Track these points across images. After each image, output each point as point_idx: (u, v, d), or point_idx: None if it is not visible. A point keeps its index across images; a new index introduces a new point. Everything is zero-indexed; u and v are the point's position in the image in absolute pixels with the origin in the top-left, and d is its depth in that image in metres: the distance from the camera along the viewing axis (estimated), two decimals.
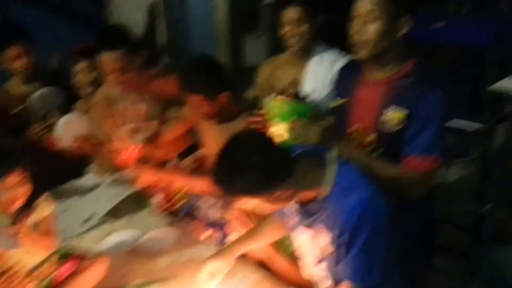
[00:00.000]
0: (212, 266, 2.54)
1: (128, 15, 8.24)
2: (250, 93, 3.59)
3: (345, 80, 2.61)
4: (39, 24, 4.08)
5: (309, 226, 2.20)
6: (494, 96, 4.39)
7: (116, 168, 3.57)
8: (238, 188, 1.98)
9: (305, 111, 2.41)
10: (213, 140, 3.05)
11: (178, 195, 3.46)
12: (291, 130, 2.36)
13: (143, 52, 3.24)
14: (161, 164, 3.45)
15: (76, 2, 7.97)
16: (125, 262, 2.84)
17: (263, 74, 3.53)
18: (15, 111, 3.66)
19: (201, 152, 3.49)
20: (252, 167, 1.92)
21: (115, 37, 3.16)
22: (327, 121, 2.39)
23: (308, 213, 2.17)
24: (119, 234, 3.07)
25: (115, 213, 3.28)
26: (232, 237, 3.04)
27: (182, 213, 3.37)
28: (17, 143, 2.92)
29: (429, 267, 2.69)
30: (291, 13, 3.20)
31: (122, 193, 3.37)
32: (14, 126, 3.58)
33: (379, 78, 2.43)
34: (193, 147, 3.49)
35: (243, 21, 5.59)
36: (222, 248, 2.67)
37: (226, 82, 2.89)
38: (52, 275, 2.57)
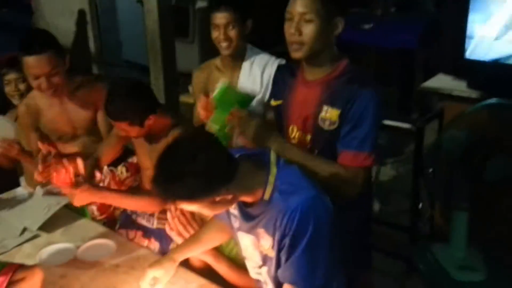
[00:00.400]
0: (153, 274, 2.51)
1: (56, 23, 8.13)
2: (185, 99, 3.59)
3: (281, 82, 2.63)
4: None
5: (250, 231, 2.19)
6: (423, 95, 4.53)
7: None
8: (178, 195, 1.94)
9: (246, 100, 2.48)
10: (145, 155, 3.06)
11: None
12: (229, 119, 2.40)
13: (68, 57, 3.13)
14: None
15: (2, 11, 7.79)
16: (63, 274, 2.78)
17: (198, 80, 3.54)
18: None
19: (133, 159, 3.47)
20: (192, 172, 1.89)
21: (41, 40, 3.04)
22: (264, 117, 2.41)
23: (249, 217, 2.16)
24: (56, 246, 2.99)
25: (50, 224, 3.20)
26: (172, 247, 3.04)
27: (119, 223, 3.34)
28: None
29: (369, 266, 2.73)
30: (219, 18, 3.21)
31: (55, 204, 3.28)
32: None
33: (314, 79, 2.46)
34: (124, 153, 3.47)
35: (174, 26, 5.59)
36: (163, 256, 2.65)
37: (152, 101, 2.85)
38: None
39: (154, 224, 3.16)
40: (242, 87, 3.26)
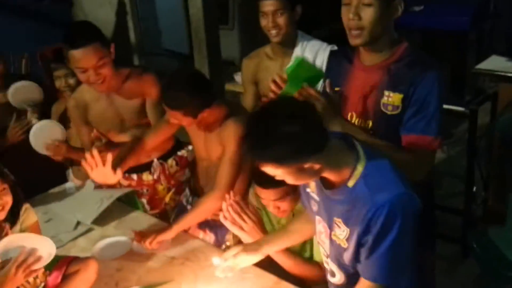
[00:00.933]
0: (240, 258, 2.48)
1: (95, 14, 8.14)
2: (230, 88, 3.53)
3: (336, 68, 2.55)
4: (3, 28, 3.97)
5: (326, 217, 2.13)
6: (475, 77, 4.42)
7: None
8: (269, 155, 1.85)
9: (317, 76, 2.40)
10: (201, 145, 3.03)
11: (167, 196, 3.41)
12: (299, 95, 2.30)
13: (113, 46, 3.07)
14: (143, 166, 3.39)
15: (42, 3, 7.81)
16: (119, 267, 2.78)
17: (247, 69, 3.46)
18: None
19: (182, 153, 3.45)
20: (288, 133, 1.81)
21: (85, 32, 2.98)
22: (334, 96, 2.35)
23: (327, 202, 2.09)
24: (110, 239, 2.99)
25: (103, 217, 3.20)
26: (228, 238, 3.04)
27: (173, 215, 3.33)
28: None
29: (434, 252, 2.67)
30: (267, 5, 3.14)
31: (108, 197, 3.29)
32: None
33: (372, 64, 2.38)
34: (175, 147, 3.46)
35: (216, 13, 5.56)
36: (250, 244, 2.57)
37: (209, 95, 2.77)
38: (41, 285, 2.50)
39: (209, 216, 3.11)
40: None
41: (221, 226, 2.97)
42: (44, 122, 3.41)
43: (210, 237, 3.12)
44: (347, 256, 2.07)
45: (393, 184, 1.93)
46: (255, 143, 1.86)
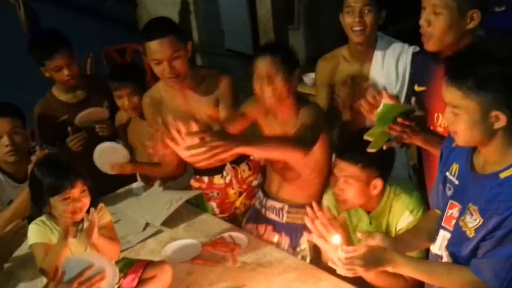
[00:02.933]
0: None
1: (159, 14, 8.09)
2: None
3: (423, 67, 2.52)
4: (69, 27, 3.95)
5: (460, 200, 2.04)
6: None
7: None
8: (474, 78, 1.82)
9: (408, 112, 2.35)
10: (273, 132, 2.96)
11: (238, 201, 3.36)
12: (390, 131, 2.30)
13: (190, 44, 3.06)
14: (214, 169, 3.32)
15: (108, 3, 7.88)
16: (190, 271, 2.72)
17: (322, 71, 3.31)
18: (60, 120, 3.57)
19: (254, 157, 3.37)
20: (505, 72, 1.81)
21: (161, 25, 3.00)
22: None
23: (471, 185, 2.00)
24: (181, 242, 2.93)
25: (172, 219, 3.14)
26: (303, 241, 2.94)
27: (247, 217, 3.27)
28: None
29: None
30: (356, 1, 2.98)
31: (177, 199, 3.23)
32: (59, 135, 3.50)
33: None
34: None
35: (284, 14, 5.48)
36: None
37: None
38: (115, 287, 2.44)
39: (283, 218, 3.05)
40: (375, 80, 3.08)
41: (297, 229, 2.92)
42: (107, 144, 3.36)
43: (285, 240, 3.05)
44: (467, 246, 1.99)
45: None
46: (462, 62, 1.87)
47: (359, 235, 2.29)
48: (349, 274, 2.15)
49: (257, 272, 2.66)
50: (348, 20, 3.01)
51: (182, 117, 3.04)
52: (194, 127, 2.28)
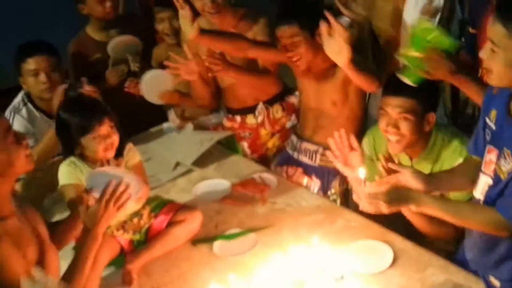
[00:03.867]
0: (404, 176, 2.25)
1: None
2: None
3: (476, 8, 2.52)
4: None
5: (496, 143, 2.02)
6: None
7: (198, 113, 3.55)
8: None
9: (449, 46, 2.23)
10: (312, 95, 2.99)
11: (270, 142, 3.37)
12: (425, 59, 2.22)
13: None
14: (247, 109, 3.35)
15: None
16: (219, 210, 2.75)
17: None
18: (93, 58, 3.59)
19: (290, 98, 3.37)
20: None
21: None
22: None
23: (507, 130, 1.98)
24: (211, 182, 2.97)
25: (203, 159, 3.17)
26: (334, 185, 2.97)
27: (278, 159, 3.29)
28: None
29: None
30: None
31: (209, 139, 3.25)
32: (92, 73, 3.46)
33: None
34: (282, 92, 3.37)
35: None
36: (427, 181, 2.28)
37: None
38: (145, 227, 2.49)
39: (316, 161, 3.06)
40: (409, 12, 2.97)
41: (329, 173, 2.95)
42: (154, 72, 3.39)
43: (315, 183, 3.06)
44: (497, 189, 1.98)
45: None
46: None
47: (390, 165, 2.28)
48: (371, 210, 2.11)
49: (286, 213, 2.69)
50: None
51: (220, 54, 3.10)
52: None
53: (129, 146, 2.61)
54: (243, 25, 3.15)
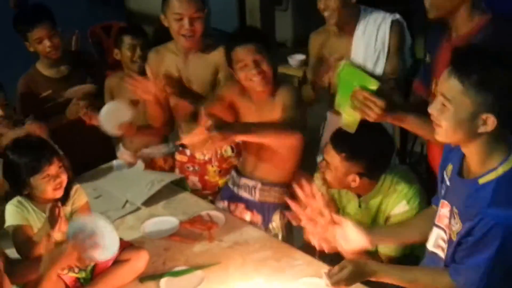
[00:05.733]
0: (348, 229, 2.33)
1: None
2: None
3: (433, 37, 2.60)
4: (55, 5, 3.97)
5: (450, 201, 2.04)
6: None
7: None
8: (475, 75, 1.78)
9: (367, 81, 2.33)
10: (252, 117, 2.99)
11: (220, 180, 3.41)
12: (352, 98, 2.31)
13: (206, 11, 3.21)
14: None
15: None
16: (167, 247, 2.77)
17: (315, 44, 3.44)
18: (44, 95, 3.58)
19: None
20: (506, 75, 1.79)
21: None
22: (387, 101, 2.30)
23: (456, 189, 2.01)
24: (159, 219, 2.99)
25: (152, 197, 3.18)
26: (274, 218, 3.02)
27: (219, 197, 3.31)
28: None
29: None
30: None
31: (159, 180, 3.27)
32: (41, 110, 3.52)
33: (456, 35, 2.41)
34: None
35: None
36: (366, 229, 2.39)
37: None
38: (91, 265, 2.49)
39: (256, 196, 3.09)
40: (356, 46, 3.22)
41: (269, 207, 3.02)
42: (112, 104, 3.44)
43: (257, 218, 3.09)
44: (450, 251, 2.01)
45: None
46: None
47: (335, 217, 2.37)
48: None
49: (233, 250, 2.73)
50: (319, 5, 3.16)
51: (178, 79, 3.26)
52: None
53: (76, 187, 2.63)
54: (206, 54, 3.25)
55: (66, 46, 4.12)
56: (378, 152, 2.55)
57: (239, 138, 2.51)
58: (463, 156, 1.98)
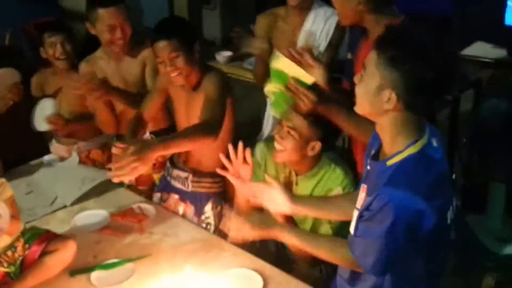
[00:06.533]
0: (272, 192, 2.39)
1: None
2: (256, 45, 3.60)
3: (354, 38, 2.76)
4: None
5: (365, 181, 2.09)
6: (459, 63, 4.40)
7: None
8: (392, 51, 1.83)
9: (306, 78, 2.42)
10: (183, 107, 3.09)
11: (155, 175, 3.45)
12: (285, 91, 2.41)
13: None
14: None
15: None
16: (98, 240, 2.78)
17: (262, 25, 3.63)
18: None
19: None
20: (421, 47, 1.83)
21: None
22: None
23: (371, 171, 2.07)
24: (90, 212, 2.99)
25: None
26: (207, 209, 3.07)
27: (156, 189, 3.35)
28: None
29: None
30: None
31: (91, 179, 3.24)
32: None
33: (371, 38, 2.50)
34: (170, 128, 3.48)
35: None
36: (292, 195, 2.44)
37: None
38: (19, 259, 2.47)
39: (189, 187, 3.14)
40: (304, 33, 3.47)
41: (201, 198, 3.08)
42: (43, 101, 3.49)
43: (190, 209, 3.14)
44: (355, 225, 2.04)
45: (408, 184, 1.87)
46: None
47: (267, 177, 2.45)
48: (238, 237, 2.35)
49: (163, 242, 2.75)
50: None
51: (115, 81, 3.34)
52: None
53: (1, 181, 2.57)
54: (135, 52, 3.36)
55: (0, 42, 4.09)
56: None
57: (159, 154, 2.57)
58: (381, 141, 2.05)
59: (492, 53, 4.03)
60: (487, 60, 4.02)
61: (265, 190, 2.42)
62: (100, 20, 3.17)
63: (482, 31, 4.51)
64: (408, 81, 1.81)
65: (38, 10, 7.18)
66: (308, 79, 2.41)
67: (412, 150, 1.90)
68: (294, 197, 2.40)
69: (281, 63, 2.46)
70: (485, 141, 3.33)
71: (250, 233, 2.32)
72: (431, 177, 1.91)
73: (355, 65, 2.62)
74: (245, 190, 2.53)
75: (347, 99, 2.21)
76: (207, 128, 2.70)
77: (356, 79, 1.96)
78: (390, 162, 1.93)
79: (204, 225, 3.07)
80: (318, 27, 3.46)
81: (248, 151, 2.55)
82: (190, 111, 3.00)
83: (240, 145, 2.55)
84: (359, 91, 1.94)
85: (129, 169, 2.42)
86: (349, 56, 2.74)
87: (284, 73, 2.43)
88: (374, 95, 1.88)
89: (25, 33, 6.71)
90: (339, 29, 3.45)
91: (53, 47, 3.53)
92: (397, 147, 1.92)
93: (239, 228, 2.35)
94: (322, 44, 3.47)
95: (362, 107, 1.96)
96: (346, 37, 3.65)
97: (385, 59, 1.83)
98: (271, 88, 2.50)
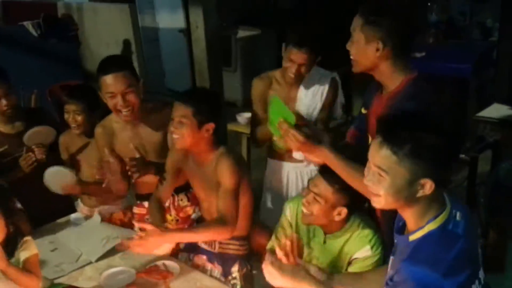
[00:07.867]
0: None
1: (101, 53, 8.26)
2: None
3: (369, 92, 2.71)
4: (13, 65, 4.04)
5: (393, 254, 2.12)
6: (476, 125, 4.49)
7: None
8: (409, 145, 1.87)
9: (288, 117, 2.63)
10: (199, 184, 3.16)
11: (174, 227, 3.47)
12: (278, 127, 2.61)
13: (142, 81, 3.25)
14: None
15: (51, 42, 7.94)
16: None
17: (256, 88, 3.76)
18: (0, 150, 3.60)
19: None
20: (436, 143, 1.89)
21: (116, 61, 3.23)
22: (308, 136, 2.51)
23: (398, 244, 2.09)
24: (117, 269, 3.03)
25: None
26: (234, 270, 3.11)
27: (183, 248, 3.36)
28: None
29: None
30: (298, 57, 3.43)
31: (114, 237, 3.32)
32: None
33: (385, 93, 2.53)
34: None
35: (220, 55, 5.66)
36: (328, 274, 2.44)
37: (218, 108, 3.03)
38: None
39: (216, 248, 3.18)
40: (302, 95, 3.65)
41: (228, 258, 3.10)
42: (54, 169, 3.49)
43: (218, 269, 3.17)
44: None
45: (427, 261, 1.89)
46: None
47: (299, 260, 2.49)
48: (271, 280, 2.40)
49: None
50: (287, 65, 3.50)
51: (132, 150, 3.26)
52: None
53: (26, 239, 2.68)
54: (153, 118, 3.31)
55: (25, 104, 4.18)
56: None
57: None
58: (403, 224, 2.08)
59: (508, 115, 4.10)
60: (503, 121, 4.08)
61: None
62: (102, 87, 3.14)
63: (498, 93, 4.60)
64: (438, 164, 1.89)
65: (63, 72, 7.40)
66: (292, 119, 2.62)
67: (432, 226, 1.94)
68: (330, 276, 2.41)
69: (275, 104, 2.77)
70: (503, 202, 3.36)
71: (280, 278, 2.37)
72: (452, 253, 1.91)
73: (368, 119, 2.65)
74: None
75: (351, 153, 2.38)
76: (223, 223, 2.86)
77: (370, 180, 1.99)
78: (412, 238, 1.96)
79: (230, 286, 3.10)
80: (314, 88, 3.66)
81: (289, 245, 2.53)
82: (206, 189, 3.08)
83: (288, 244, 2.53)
84: (383, 192, 1.95)
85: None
86: (363, 110, 2.81)
87: (278, 113, 2.68)
88: (406, 189, 1.91)
89: (51, 94, 6.89)
90: (332, 88, 3.68)
91: (68, 114, 3.59)
92: (421, 223, 1.96)
93: (271, 273, 2.39)
94: (317, 104, 3.66)
95: (389, 203, 1.98)
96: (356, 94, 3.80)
97: (407, 154, 1.87)
98: (271, 126, 2.78)
